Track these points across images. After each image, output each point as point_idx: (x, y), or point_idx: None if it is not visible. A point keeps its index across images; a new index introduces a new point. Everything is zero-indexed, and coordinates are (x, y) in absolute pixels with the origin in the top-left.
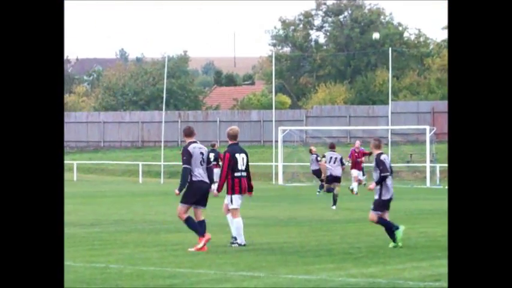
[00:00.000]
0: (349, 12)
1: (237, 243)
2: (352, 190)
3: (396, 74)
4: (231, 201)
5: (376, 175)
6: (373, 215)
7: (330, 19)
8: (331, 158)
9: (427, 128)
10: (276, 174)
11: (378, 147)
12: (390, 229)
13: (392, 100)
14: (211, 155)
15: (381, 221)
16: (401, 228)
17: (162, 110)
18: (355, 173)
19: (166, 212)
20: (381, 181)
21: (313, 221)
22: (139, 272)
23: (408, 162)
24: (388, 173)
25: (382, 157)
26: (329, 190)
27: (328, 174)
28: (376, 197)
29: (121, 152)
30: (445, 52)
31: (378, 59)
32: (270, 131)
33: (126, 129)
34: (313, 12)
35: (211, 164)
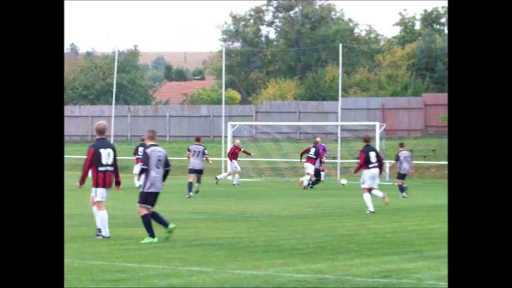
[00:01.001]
0: (300, 8)
1: (101, 235)
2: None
3: (346, 70)
4: (96, 194)
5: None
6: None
7: (280, 15)
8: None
9: (377, 124)
10: (225, 169)
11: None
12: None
13: (342, 96)
14: (140, 149)
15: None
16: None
17: (111, 104)
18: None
19: (115, 206)
20: None
21: (261, 216)
22: (87, 266)
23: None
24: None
25: None
26: None
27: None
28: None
29: (70, 146)
30: (396, 49)
31: (328, 55)
32: (220, 126)
33: (76, 124)
34: (264, 8)
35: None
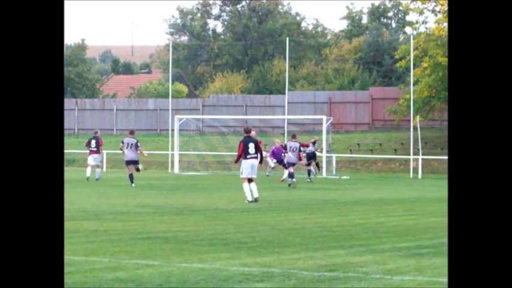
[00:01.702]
0: (247, 1)
1: None
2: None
3: (293, 64)
4: None
5: None
6: None
7: (227, 8)
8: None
9: (324, 118)
10: (172, 162)
11: None
12: None
13: (289, 90)
14: (93, 142)
15: None
16: None
17: None
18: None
19: None
20: None
21: (208, 210)
22: None
23: (305, 152)
24: None
25: None
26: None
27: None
28: None
29: None
30: (343, 43)
31: (275, 48)
32: (167, 119)
33: None
34: (211, 2)
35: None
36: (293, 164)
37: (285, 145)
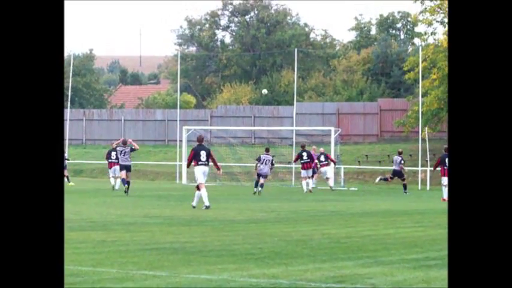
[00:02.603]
0: (256, 12)
1: None
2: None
3: (302, 75)
4: None
5: None
6: None
7: (236, 19)
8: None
9: (332, 129)
10: (180, 173)
11: None
12: None
13: (297, 101)
14: (113, 154)
15: None
16: None
17: (67, 108)
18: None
19: (69, 210)
20: None
21: (215, 221)
22: None
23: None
24: None
25: None
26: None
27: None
28: None
29: None
30: (351, 54)
31: (284, 59)
32: (175, 130)
33: None
34: (219, 12)
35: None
36: (265, 176)
37: (259, 157)
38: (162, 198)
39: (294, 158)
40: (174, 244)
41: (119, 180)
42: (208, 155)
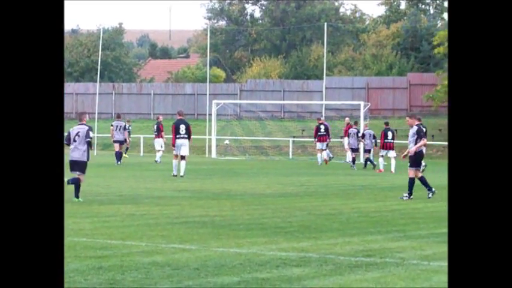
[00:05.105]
0: None
1: None
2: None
3: (331, 50)
4: None
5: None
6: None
7: None
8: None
9: (362, 103)
10: (210, 147)
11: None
12: None
13: (326, 75)
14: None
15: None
16: None
17: (96, 81)
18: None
19: (98, 184)
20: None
21: (245, 194)
22: (70, 243)
23: (342, 137)
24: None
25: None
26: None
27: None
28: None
29: None
30: (381, 28)
31: (313, 34)
32: (204, 104)
33: None
34: None
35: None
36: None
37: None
38: (191, 172)
39: (314, 132)
40: (203, 218)
41: (160, 153)
42: (187, 129)
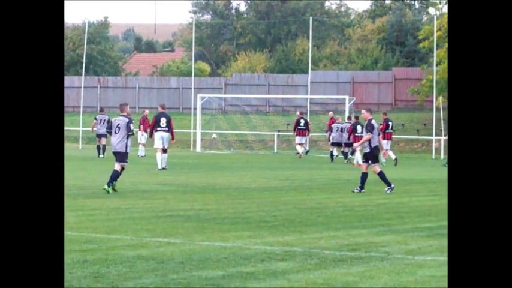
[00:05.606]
0: None
1: None
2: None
3: (316, 44)
4: None
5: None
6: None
7: None
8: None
9: (347, 97)
10: (194, 141)
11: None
12: None
13: (312, 69)
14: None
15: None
16: None
17: (81, 75)
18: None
19: (84, 177)
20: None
21: (230, 188)
22: None
23: (326, 131)
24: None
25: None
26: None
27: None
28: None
29: None
30: (366, 23)
31: (299, 28)
32: (189, 98)
33: None
34: None
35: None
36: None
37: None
38: (176, 166)
39: (293, 126)
40: (188, 211)
41: (141, 147)
42: (168, 122)
